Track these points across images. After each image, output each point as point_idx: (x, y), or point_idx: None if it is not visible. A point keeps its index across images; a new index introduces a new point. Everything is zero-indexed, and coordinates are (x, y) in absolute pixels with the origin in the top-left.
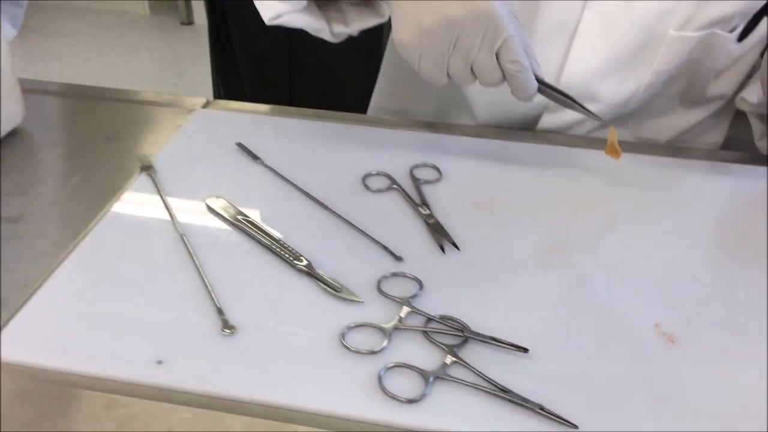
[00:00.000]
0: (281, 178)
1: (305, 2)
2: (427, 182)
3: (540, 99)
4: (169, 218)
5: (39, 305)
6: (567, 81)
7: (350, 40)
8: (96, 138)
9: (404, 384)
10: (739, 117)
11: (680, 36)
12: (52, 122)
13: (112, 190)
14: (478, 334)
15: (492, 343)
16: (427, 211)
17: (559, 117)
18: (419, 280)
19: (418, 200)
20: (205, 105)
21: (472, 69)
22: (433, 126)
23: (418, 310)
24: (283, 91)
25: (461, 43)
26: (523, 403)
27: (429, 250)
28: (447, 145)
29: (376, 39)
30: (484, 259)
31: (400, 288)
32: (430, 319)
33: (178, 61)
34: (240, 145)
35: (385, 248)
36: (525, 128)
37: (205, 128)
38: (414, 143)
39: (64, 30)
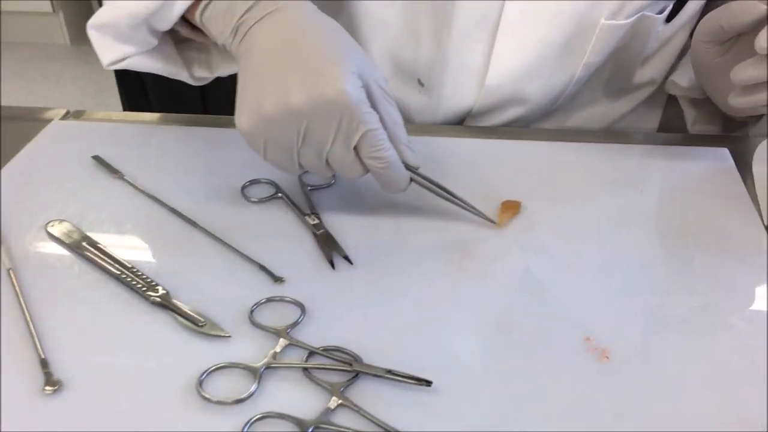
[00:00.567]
0: (144, 194)
1: (155, 42)
2: (319, 188)
3: (465, 103)
4: None
5: None
6: (492, 84)
7: None
8: None
9: None
10: (671, 104)
11: (612, 25)
12: None
13: None
14: (372, 367)
15: (388, 378)
16: (316, 221)
17: (483, 121)
18: (301, 304)
19: (307, 209)
20: (65, 116)
21: (328, 162)
22: None
23: (298, 341)
24: (195, 108)
25: (311, 136)
26: None
27: (316, 267)
28: None
29: None
30: (381, 275)
31: (277, 315)
32: (312, 353)
33: (102, 91)
34: (97, 159)
35: (263, 268)
36: None
37: (59, 141)
38: None
39: None
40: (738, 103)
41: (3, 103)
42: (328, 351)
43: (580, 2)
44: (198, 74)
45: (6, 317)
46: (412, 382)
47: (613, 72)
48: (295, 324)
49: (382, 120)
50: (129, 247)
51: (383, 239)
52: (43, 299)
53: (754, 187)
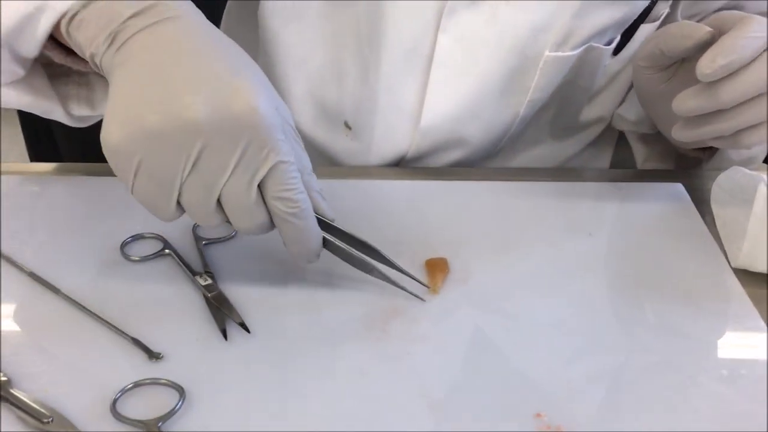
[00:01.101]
0: None
1: (21, 72)
2: (216, 242)
3: (399, 147)
4: None
5: None
6: (428, 125)
7: None
8: None
9: None
10: (622, 144)
11: (557, 57)
12: None
13: None
14: None
15: None
16: (209, 281)
17: (423, 165)
18: (180, 387)
19: (199, 267)
20: None
21: (219, 201)
22: None
23: None
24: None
25: (205, 162)
26: None
27: (204, 339)
28: None
29: None
30: (286, 347)
31: (149, 404)
32: None
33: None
34: None
35: (136, 342)
36: None
37: None
38: None
39: None
40: (682, 136)
41: None
42: None
43: (521, 32)
44: (77, 112)
45: None
46: None
47: (559, 109)
48: (170, 414)
49: None
50: None
51: (290, 303)
52: None
53: (715, 225)
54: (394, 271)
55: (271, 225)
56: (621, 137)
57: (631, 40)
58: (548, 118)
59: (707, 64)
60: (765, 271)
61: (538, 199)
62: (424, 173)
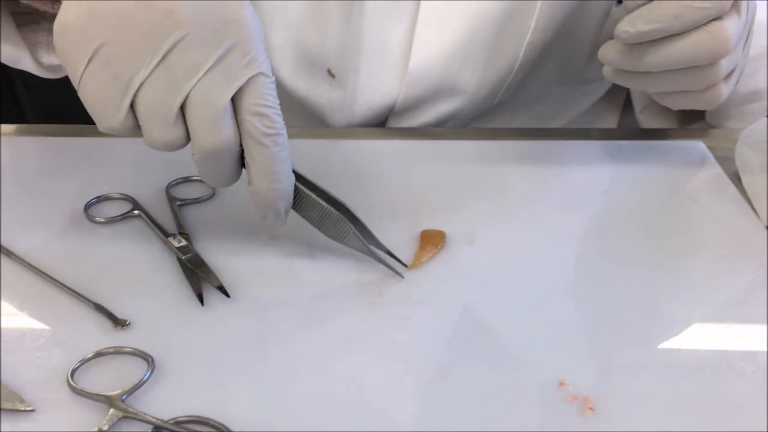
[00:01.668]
0: None
1: None
2: (193, 202)
3: (386, 96)
4: None
5: None
6: (417, 69)
7: None
8: None
9: None
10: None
11: None
12: None
13: None
14: None
15: None
16: (183, 243)
17: (410, 120)
18: (148, 356)
19: (173, 229)
20: None
21: (183, 108)
22: None
23: (137, 412)
24: (80, 110)
25: (176, 58)
26: None
27: (177, 304)
28: None
29: None
30: (268, 312)
31: (112, 376)
32: (158, 428)
33: None
34: None
35: (99, 308)
36: None
37: None
38: (186, 155)
39: None
40: (611, 78)
41: None
42: (182, 425)
43: None
44: (46, 60)
45: None
46: None
47: (563, 62)
48: (136, 386)
49: None
50: None
51: (274, 267)
52: None
53: (740, 182)
54: (373, 242)
55: (239, 149)
56: (629, 97)
57: None
58: (551, 73)
59: (626, 28)
60: None
61: (543, 158)
62: (420, 133)
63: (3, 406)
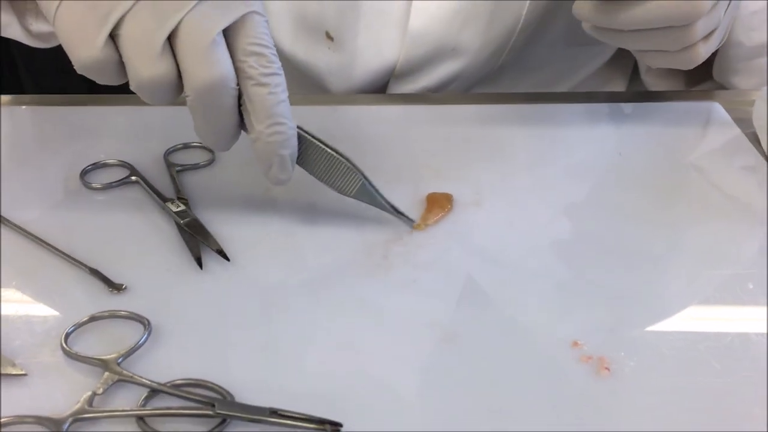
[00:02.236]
0: None
1: None
2: (192, 168)
3: (386, 58)
4: None
5: None
6: (417, 29)
7: None
8: None
9: None
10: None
11: None
12: None
13: None
14: (248, 408)
15: (274, 423)
16: (181, 207)
17: (411, 83)
18: (145, 319)
19: (171, 194)
20: None
21: (171, 40)
22: None
23: (133, 375)
24: (78, 78)
25: None
26: None
27: (175, 268)
28: None
29: None
30: (269, 276)
31: (108, 340)
32: (154, 391)
33: None
34: None
35: (94, 272)
36: None
37: None
38: (184, 121)
39: None
40: (588, 31)
41: None
42: (179, 388)
43: None
44: (35, 28)
45: None
46: (312, 426)
47: (569, 22)
48: (132, 350)
49: None
50: None
51: (276, 231)
52: None
53: (758, 143)
54: (381, 195)
55: (235, 90)
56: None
57: None
58: (556, 35)
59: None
60: None
61: (552, 122)
62: (424, 99)
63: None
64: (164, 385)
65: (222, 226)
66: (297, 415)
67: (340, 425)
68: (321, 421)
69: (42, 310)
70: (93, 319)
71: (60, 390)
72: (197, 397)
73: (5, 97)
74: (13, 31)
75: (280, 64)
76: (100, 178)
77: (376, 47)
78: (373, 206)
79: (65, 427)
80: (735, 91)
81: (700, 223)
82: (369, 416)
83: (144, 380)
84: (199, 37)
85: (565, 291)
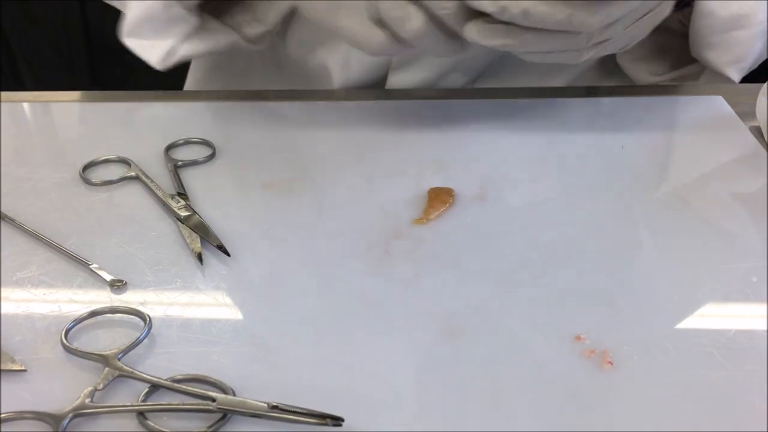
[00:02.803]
0: None
1: (195, 20)
2: (193, 163)
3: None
4: None
5: None
6: None
7: None
8: None
9: None
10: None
11: None
12: None
13: None
14: (248, 404)
15: (275, 418)
16: (181, 203)
17: (409, 74)
18: (145, 315)
19: (172, 190)
20: None
21: None
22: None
23: (134, 371)
24: (81, 74)
25: None
26: None
27: (176, 264)
28: (235, 113)
29: None
30: (270, 271)
31: (108, 336)
32: (155, 387)
33: None
34: None
35: (96, 269)
36: None
37: None
38: (184, 116)
39: None
40: None
41: None
42: (180, 383)
43: None
44: (251, 32)
45: None
46: (313, 421)
47: None
48: (132, 345)
49: None
50: None
51: (276, 226)
52: None
53: (762, 137)
54: None
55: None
56: None
57: None
58: None
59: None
60: None
61: (554, 117)
62: (426, 94)
63: None
64: (165, 380)
65: (222, 221)
66: (298, 410)
67: (342, 420)
68: (322, 416)
69: (42, 305)
70: (93, 314)
71: (60, 385)
72: (198, 393)
73: (5, 93)
74: (240, 46)
75: None
76: (100, 174)
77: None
78: None
79: (65, 422)
80: (739, 86)
81: (703, 217)
82: (370, 411)
83: (144, 376)
84: None
85: (567, 285)
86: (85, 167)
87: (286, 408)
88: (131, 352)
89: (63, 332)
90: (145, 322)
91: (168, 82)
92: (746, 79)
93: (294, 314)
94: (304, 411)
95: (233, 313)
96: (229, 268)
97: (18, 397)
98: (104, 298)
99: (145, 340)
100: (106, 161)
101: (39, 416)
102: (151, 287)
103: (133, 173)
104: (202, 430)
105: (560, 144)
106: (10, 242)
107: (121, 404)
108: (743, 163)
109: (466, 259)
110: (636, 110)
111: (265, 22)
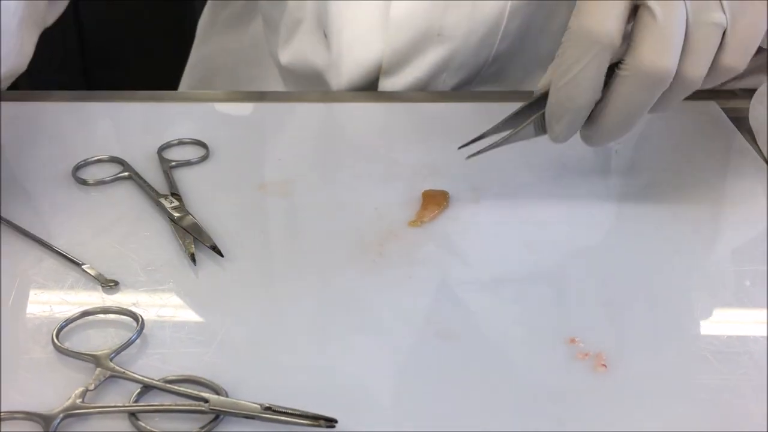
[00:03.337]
0: None
1: None
2: (186, 164)
3: (371, 50)
4: None
5: None
6: (398, 16)
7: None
8: None
9: None
10: None
11: None
12: None
13: None
14: (241, 405)
15: (267, 419)
16: (175, 203)
17: (400, 77)
18: (137, 315)
19: (165, 190)
20: None
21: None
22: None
23: (126, 371)
24: (75, 76)
25: None
26: None
27: (169, 264)
28: (229, 114)
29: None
30: (264, 271)
31: (100, 336)
32: (147, 387)
33: None
34: None
35: (88, 269)
36: None
37: None
38: (178, 117)
39: None
40: None
41: None
42: (172, 384)
43: None
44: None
45: None
46: (307, 422)
47: (570, 9)
48: (124, 345)
49: None
50: None
51: (270, 228)
52: None
53: (755, 143)
54: None
55: None
56: None
57: None
58: (560, 26)
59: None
60: None
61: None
62: (422, 97)
63: None
64: (157, 381)
65: (215, 222)
66: (291, 411)
67: (335, 421)
68: (315, 417)
69: (33, 305)
70: (85, 314)
71: (51, 386)
72: (190, 393)
73: None
74: None
75: None
76: (93, 174)
77: (360, 40)
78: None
79: (56, 423)
80: (733, 91)
81: (697, 221)
82: (364, 412)
83: (136, 376)
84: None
85: (561, 287)
86: (78, 167)
87: (279, 409)
88: (123, 353)
89: (54, 332)
90: (137, 323)
91: (162, 83)
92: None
93: (287, 315)
94: (297, 412)
95: (226, 314)
96: (222, 269)
97: (9, 396)
98: (96, 298)
99: (138, 341)
100: (99, 161)
101: (30, 416)
102: (143, 287)
103: (126, 173)
104: (195, 431)
105: (554, 147)
106: (2, 241)
107: (112, 405)
108: (737, 168)
109: (460, 262)
110: None
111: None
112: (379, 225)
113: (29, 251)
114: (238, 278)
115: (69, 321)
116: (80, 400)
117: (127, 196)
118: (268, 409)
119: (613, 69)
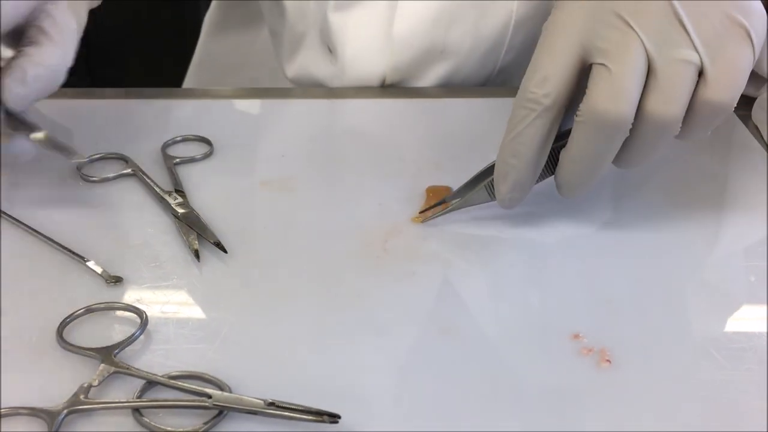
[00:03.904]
0: None
1: None
2: (190, 161)
3: (374, 65)
4: None
5: None
6: (401, 32)
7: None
8: None
9: None
10: None
11: None
12: None
13: None
14: (245, 401)
15: (271, 415)
16: (179, 200)
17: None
18: (141, 311)
19: (169, 186)
20: None
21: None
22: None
23: (129, 367)
24: (79, 74)
25: None
26: None
27: (173, 260)
28: (233, 111)
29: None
30: (267, 268)
31: (104, 332)
32: (151, 383)
33: None
34: None
35: (92, 265)
36: None
37: None
38: (182, 114)
39: None
40: None
41: None
42: (176, 380)
43: None
44: None
45: None
46: (310, 418)
47: None
48: (128, 341)
49: None
50: None
51: (274, 224)
52: None
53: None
54: None
55: None
56: None
57: None
58: None
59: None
60: None
61: None
62: (425, 93)
63: None
64: (160, 377)
65: (219, 218)
66: (294, 407)
67: (338, 417)
68: (319, 413)
69: (38, 301)
70: (89, 310)
71: (55, 382)
72: (194, 389)
73: None
74: None
75: None
76: (97, 171)
77: (364, 57)
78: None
79: (60, 418)
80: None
81: (701, 216)
82: (366, 408)
83: (140, 372)
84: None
85: (565, 282)
86: (82, 164)
87: (283, 405)
88: (127, 349)
89: (59, 328)
90: (141, 319)
91: (166, 81)
92: None
93: (291, 311)
94: (301, 408)
95: (230, 310)
96: (226, 265)
97: (13, 392)
98: (100, 294)
99: (141, 337)
100: (104, 158)
101: (34, 412)
102: (147, 284)
103: (131, 170)
104: (198, 427)
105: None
106: (7, 238)
107: (116, 401)
108: (742, 162)
109: (463, 257)
110: None
111: None
112: (383, 221)
113: (34, 247)
114: (241, 274)
115: (73, 317)
116: (84, 395)
117: (131, 192)
118: (272, 404)
119: None
